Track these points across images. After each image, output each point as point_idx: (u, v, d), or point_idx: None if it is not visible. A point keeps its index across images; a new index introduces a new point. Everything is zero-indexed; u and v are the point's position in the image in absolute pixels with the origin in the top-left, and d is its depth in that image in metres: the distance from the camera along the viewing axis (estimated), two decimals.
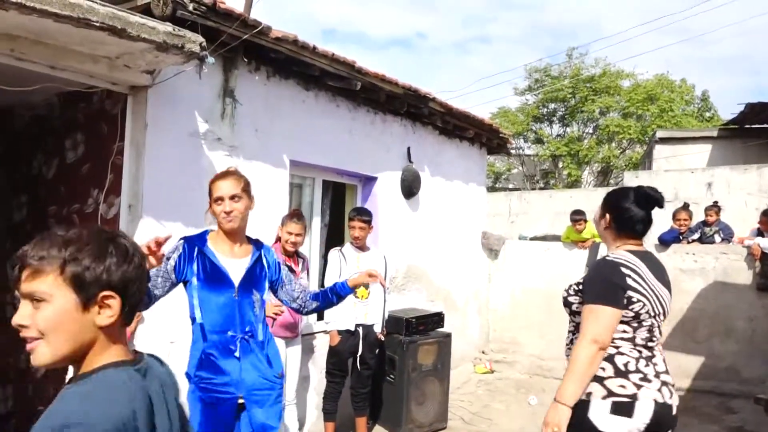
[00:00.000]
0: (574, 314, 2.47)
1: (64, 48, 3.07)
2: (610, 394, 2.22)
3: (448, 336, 5.29)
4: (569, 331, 2.53)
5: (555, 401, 2.23)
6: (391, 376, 4.96)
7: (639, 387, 2.22)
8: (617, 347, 2.29)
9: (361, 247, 4.65)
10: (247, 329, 2.59)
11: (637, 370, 2.26)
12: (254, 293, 2.64)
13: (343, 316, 4.44)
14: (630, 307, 2.25)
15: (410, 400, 4.91)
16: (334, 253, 4.62)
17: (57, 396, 1.13)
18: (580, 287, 2.41)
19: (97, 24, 2.75)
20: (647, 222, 2.44)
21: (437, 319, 5.35)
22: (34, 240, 1.18)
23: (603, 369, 2.26)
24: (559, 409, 2.20)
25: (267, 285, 2.75)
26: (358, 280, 2.82)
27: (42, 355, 1.15)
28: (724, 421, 5.59)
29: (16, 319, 1.14)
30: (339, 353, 4.50)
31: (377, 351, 4.76)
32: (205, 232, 2.69)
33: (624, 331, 2.29)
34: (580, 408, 2.23)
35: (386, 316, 4.80)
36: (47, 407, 1.10)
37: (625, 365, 2.26)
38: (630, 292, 2.25)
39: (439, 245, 6.82)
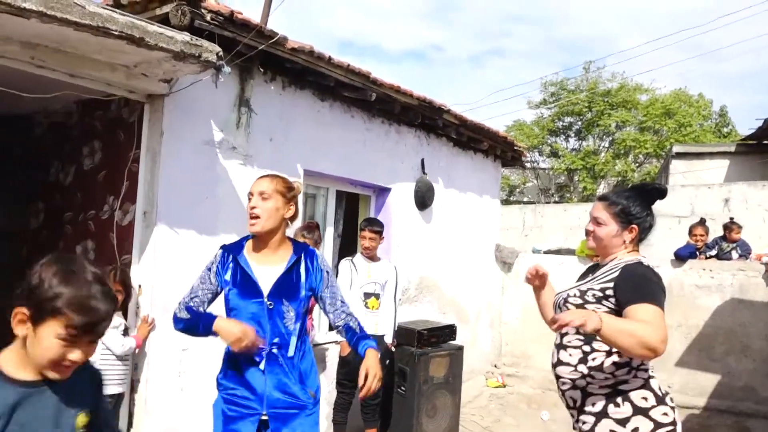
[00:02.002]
0: None
1: (83, 56, 3.12)
2: (657, 425, 2.01)
3: (460, 349, 5.25)
4: (571, 347, 2.19)
5: (598, 317, 1.83)
6: (402, 388, 4.92)
7: (674, 410, 2.06)
8: (646, 369, 2.08)
9: (372, 258, 4.65)
10: (275, 341, 2.42)
11: (666, 393, 2.08)
12: (284, 303, 2.45)
13: None
14: None
15: (421, 412, 4.86)
16: (345, 263, 4.63)
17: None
18: (607, 293, 2.10)
19: (116, 33, 2.79)
20: None
21: (449, 331, 5.31)
22: (97, 290, 1.38)
23: (645, 399, 2.04)
24: (593, 319, 1.80)
25: (306, 294, 2.51)
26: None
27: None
28: None
29: (88, 357, 1.43)
30: (350, 363, 4.48)
31: (387, 362, 4.75)
32: (244, 239, 2.59)
33: None
34: None
35: (396, 327, 4.79)
36: None
37: (660, 388, 2.08)
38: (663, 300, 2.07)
39: (452, 257, 6.79)
